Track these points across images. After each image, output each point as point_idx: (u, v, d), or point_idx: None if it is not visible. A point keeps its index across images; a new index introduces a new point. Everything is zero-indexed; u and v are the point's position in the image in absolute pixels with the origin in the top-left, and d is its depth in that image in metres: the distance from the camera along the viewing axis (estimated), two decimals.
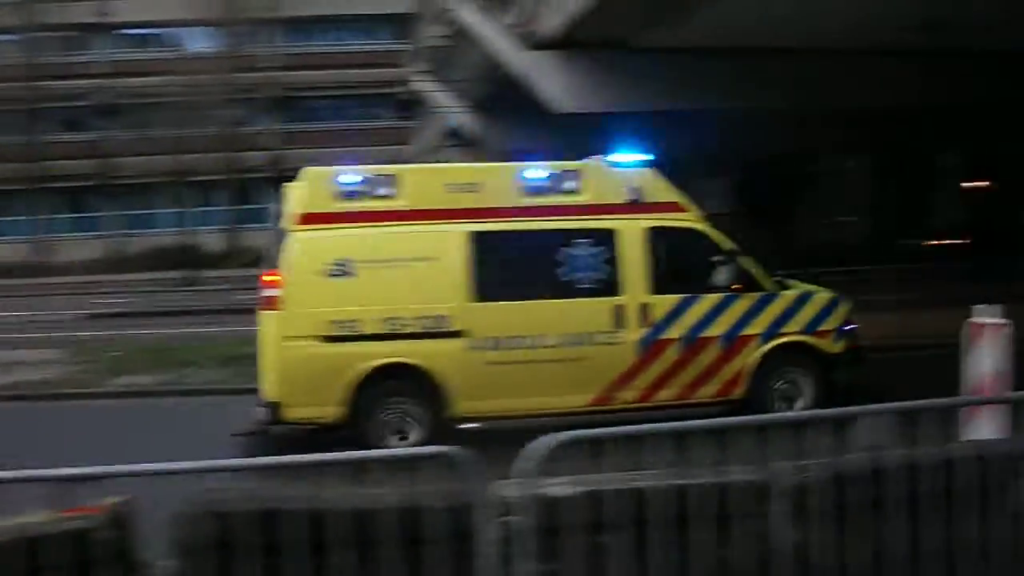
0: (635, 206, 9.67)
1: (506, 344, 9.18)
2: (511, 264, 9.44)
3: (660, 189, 9.94)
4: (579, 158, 10.50)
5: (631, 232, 9.52)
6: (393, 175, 9.55)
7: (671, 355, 9.44)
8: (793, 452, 4.04)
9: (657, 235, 9.60)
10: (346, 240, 9.12)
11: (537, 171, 9.80)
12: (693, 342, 9.47)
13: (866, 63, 17.83)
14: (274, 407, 8.97)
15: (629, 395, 9.43)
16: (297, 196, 9.33)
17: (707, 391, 9.65)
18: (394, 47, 45.31)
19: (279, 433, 9.36)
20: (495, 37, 20.67)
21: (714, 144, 26.26)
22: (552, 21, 17.80)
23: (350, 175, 9.36)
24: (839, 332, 10.00)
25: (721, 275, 9.72)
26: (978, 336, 6.67)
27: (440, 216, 9.23)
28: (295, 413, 9.01)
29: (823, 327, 9.92)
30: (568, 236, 9.44)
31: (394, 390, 9.11)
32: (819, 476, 3.96)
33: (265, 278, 9.13)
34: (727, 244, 9.95)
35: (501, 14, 22.03)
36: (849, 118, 21.49)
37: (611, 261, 9.48)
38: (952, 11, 14.49)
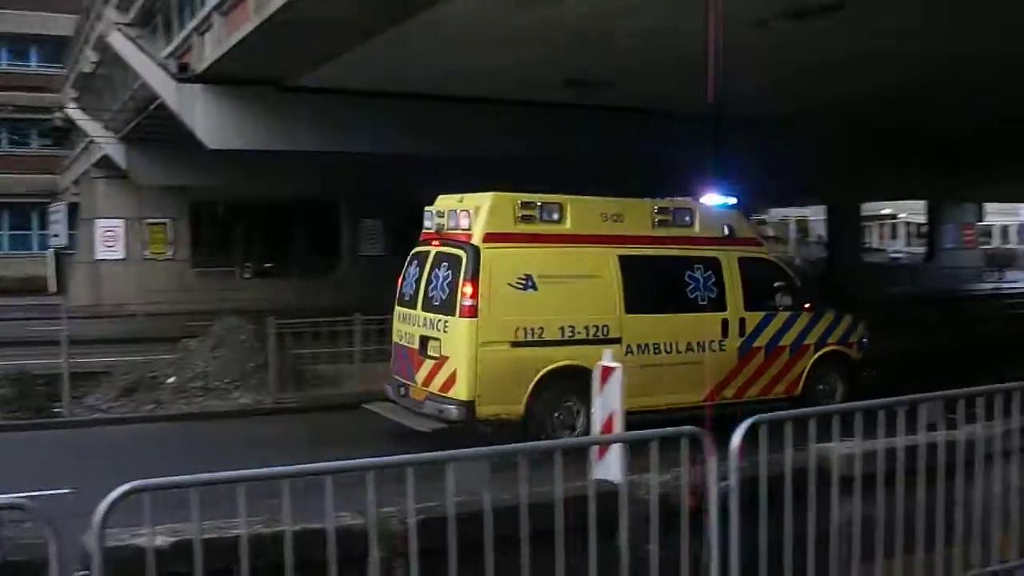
0: (730, 240, 11.84)
1: (649, 350, 10.88)
2: (651, 283, 11.30)
3: (744, 227, 12.45)
4: None
5: (730, 260, 11.66)
6: (559, 203, 10.86)
7: (758, 360, 11.54)
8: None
9: (745, 263, 11.80)
10: (527, 257, 10.50)
11: (665, 206, 11.89)
12: (772, 350, 11.64)
13: (512, 113, 19.41)
14: (469, 405, 10.07)
15: (729, 392, 11.29)
16: (482, 217, 10.43)
17: (779, 389, 11.75)
18: (50, 71, 43.17)
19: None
20: (149, 67, 20.22)
21: (373, 186, 27.18)
22: (206, 55, 17.76)
23: (530, 201, 10.67)
24: (861, 344, 12.54)
25: (788, 296, 11.96)
26: (603, 378, 7.38)
27: (597, 241, 10.91)
28: (487, 410, 10.15)
29: (851, 339, 12.44)
30: (689, 262, 11.43)
31: (568, 389, 10.31)
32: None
33: (464, 289, 10.18)
34: (790, 272, 12.69)
35: (157, 44, 21.60)
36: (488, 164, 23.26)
37: (717, 283, 11.50)
38: (590, 71, 16.18)
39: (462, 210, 10.73)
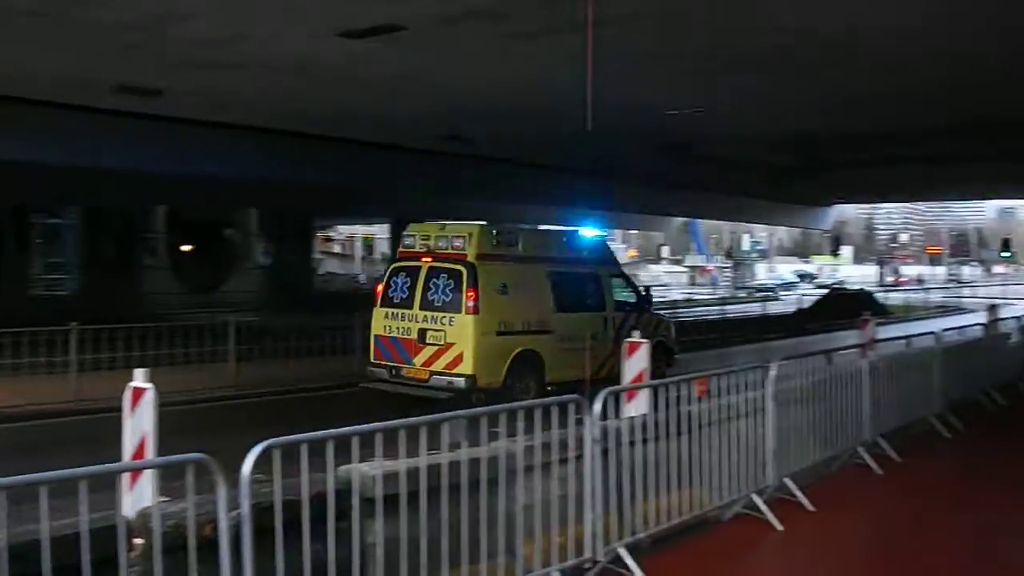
0: (604, 261, 16.98)
1: (568, 338, 14.67)
2: (566, 292, 15.38)
3: (610, 253, 18.06)
4: None
5: (605, 275, 16.44)
6: (515, 232, 15.66)
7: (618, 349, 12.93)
8: None
9: (612, 277, 16.76)
10: (502, 271, 14.32)
11: (573, 234, 17.33)
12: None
13: None
14: (472, 378, 13.56)
15: (604, 371, 14.32)
16: (474, 241, 14.15)
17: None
18: None
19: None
20: None
21: None
22: None
23: (501, 231, 15.24)
24: (671, 337, 17.65)
25: (635, 301, 16.91)
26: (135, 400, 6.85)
27: (536, 261, 15.14)
28: (483, 381, 13.62)
29: (669, 334, 17.66)
30: (587, 276, 16.04)
31: (526, 366, 14.25)
32: None
33: (468, 293, 13.75)
34: (635, 284, 18.21)
35: None
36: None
37: (600, 292, 16.10)
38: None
39: (455, 236, 14.35)
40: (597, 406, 6.36)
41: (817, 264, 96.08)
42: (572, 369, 13.94)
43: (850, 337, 14.14)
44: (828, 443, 9.57)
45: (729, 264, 74.60)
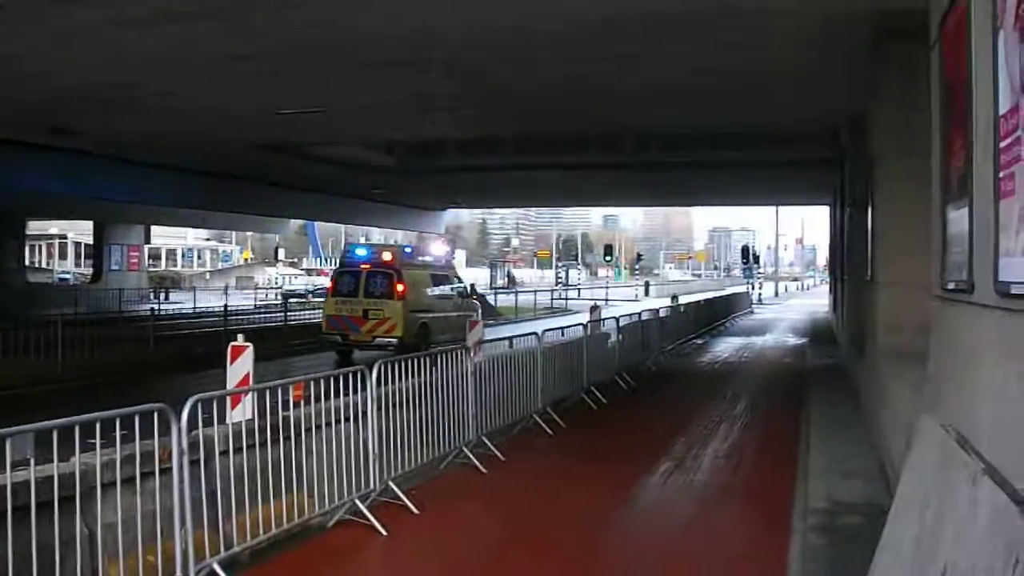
0: (449, 266, 28.83)
1: (440, 313, 24.86)
2: (437, 285, 25.80)
3: (450, 260, 30.97)
4: None
5: (452, 274, 27.83)
6: (411, 250, 28.44)
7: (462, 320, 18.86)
8: None
9: (454, 275, 28.28)
10: (412, 273, 24.26)
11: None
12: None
13: None
14: (401, 338, 22.60)
15: (461, 334, 16.71)
16: (396, 256, 24.53)
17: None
18: None
19: None
20: None
21: None
22: None
23: (405, 250, 27.84)
24: None
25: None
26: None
27: (421, 266, 25.64)
28: (407, 341, 22.22)
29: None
30: (445, 275, 26.82)
31: (424, 330, 23.52)
32: None
33: (398, 287, 23.22)
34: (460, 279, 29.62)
35: None
36: None
37: (451, 284, 26.84)
38: None
39: (384, 252, 24.60)
40: (184, 415, 6.17)
41: None
42: (443, 333, 23.16)
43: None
44: (434, 445, 9.92)
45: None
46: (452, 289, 26.58)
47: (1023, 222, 3.23)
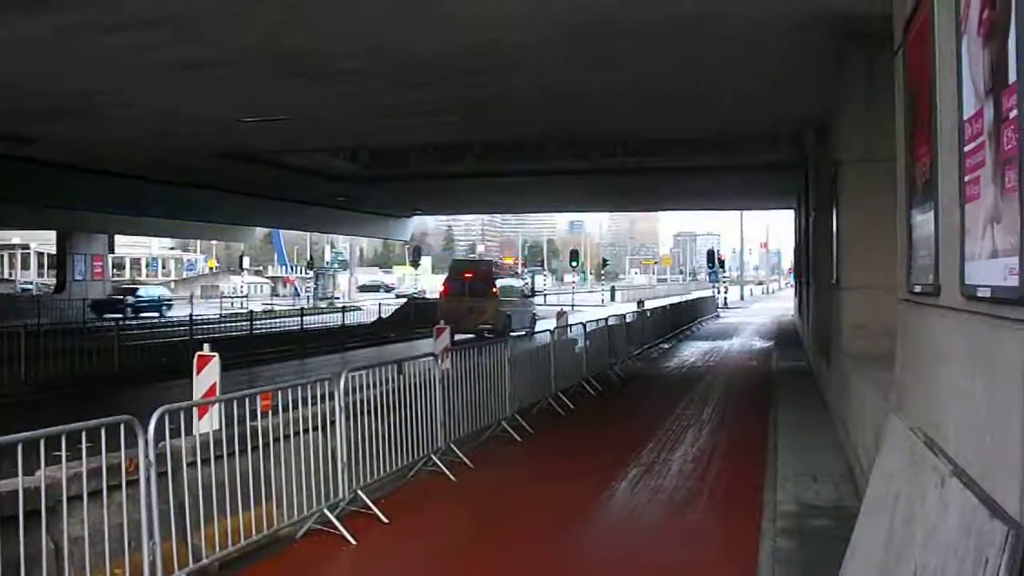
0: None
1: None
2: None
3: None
4: None
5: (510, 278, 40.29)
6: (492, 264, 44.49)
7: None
8: None
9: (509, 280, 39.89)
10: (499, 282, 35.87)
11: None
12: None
13: None
14: (494, 326, 31.32)
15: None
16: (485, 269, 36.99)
17: None
18: None
19: None
20: None
21: None
22: None
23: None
24: None
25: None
26: None
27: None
28: (497, 328, 31.13)
29: None
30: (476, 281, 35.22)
31: (501, 319, 33.06)
32: None
33: (492, 290, 33.30)
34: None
35: None
36: None
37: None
38: None
39: (481, 266, 38.93)
40: (151, 427, 6.11)
41: (399, 274, 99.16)
42: (519, 322, 32.64)
43: (428, 345, 14.70)
44: (403, 453, 9.88)
45: (311, 275, 74.90)
46: (519, 290, 37.75)
47: (989, 225, 3.26)
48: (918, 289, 4.79)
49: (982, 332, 3.39)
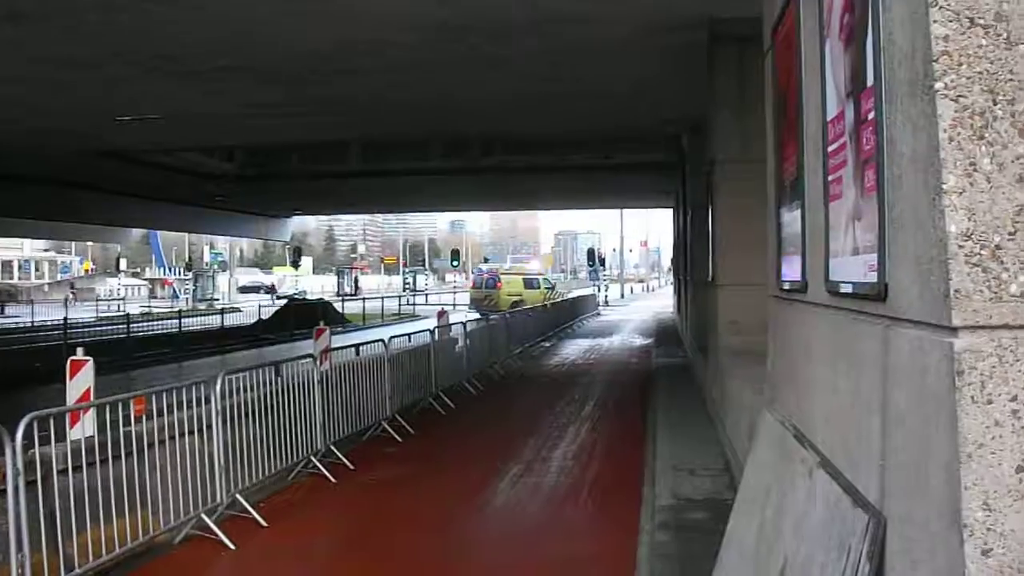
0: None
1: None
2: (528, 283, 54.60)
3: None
4: None
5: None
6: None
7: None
8: None
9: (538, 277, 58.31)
10: (506, 278, 53.52)
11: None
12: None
13: None
14: (502, 310, 37.60)
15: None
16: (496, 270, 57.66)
17: None
18: None
19: None
20: None
21: None
22: None
23: (508, 266, 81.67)
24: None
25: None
26: None
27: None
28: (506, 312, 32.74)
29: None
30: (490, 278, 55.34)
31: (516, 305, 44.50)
32: None
33: (499, 284, 51.34)
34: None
35: None
36: None
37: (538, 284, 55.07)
38: None
39: (492, 267, 64.56)
40: (19, 434, 5.87)
41: (280, 275, 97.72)
42: (532, 308, 33.74)
43: (308, 346, 14.50)
44: (282, 456, 9.74)
45: (190, 276, 73.28)
46: (540, 284, 52.65)
47: (850, 223, 3.36)
48: (787, 286, 4.91)
49: (845, 327, 3.49)
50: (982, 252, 2.38)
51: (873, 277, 3.02)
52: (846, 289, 3.43)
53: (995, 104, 2.42)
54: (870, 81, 3.01)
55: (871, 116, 3.01)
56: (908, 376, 2.70)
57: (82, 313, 42.76)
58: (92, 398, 8.65)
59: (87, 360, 8.98)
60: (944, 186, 2.42)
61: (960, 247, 2.39)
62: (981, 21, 2.43)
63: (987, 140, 2.41)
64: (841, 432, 3.52)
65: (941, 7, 2.45)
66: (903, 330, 2.77)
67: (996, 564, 2.27)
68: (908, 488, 2.70)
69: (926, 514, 2.53)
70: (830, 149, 3.67)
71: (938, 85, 2.44)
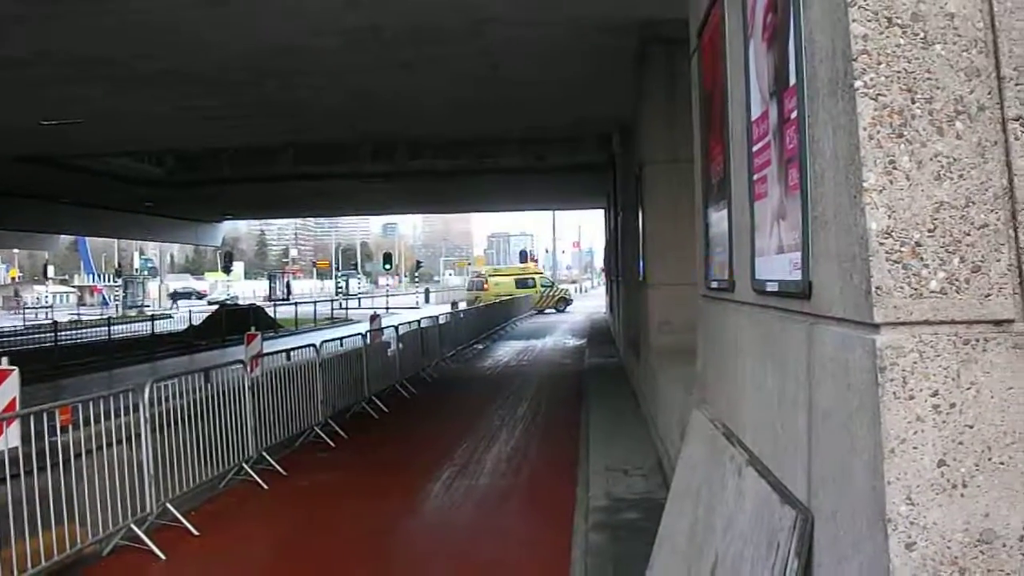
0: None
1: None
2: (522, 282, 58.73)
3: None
4: None
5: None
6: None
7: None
8: None
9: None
10: (493, 279, 58.61)
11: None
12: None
13: None
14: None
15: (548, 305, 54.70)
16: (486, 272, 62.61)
17: None
18: None
19: None
20: None
21: None
22: None
23: (497, 267, 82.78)
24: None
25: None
26: None
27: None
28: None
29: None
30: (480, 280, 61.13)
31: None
32: None
33: (485, 285, 56.45)
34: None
35: None
36: None
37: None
38: None
39: (483, 270, 70.47)
40: None
41: (211, 280, 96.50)
42: (524, 304, 48.66)
43: (239, 352, 14.29)
44: (213, 463, 9.59)
45: (119, 283, 71.98)
46: (535, 284, 55.96)
47: (775, 222, 3.37)
48: (715, 285, 4.93)
49: (772, 325, 3.51)
50: (902, 249, 2.40)
51: (798, 275, 3.04)
52: (772, 288, 3.45)
53: (913, 103, 2.44)
54: (792, 80, 3.03)
55: (794, 115, 3.03)
56: (832, 373, 2.71)
57: (8, 321, 41.72)
58: (17, 408, 8.42)
59: (12, 369, 8.71)
60: (865, 184, 2.43)
61: (881, 244, 2.40)
62: (899, 21, 2.45)
63: (906, 138, 2.43)
64: (769, 430, 3.54)
65: (860, 7, 2.46)
66: (827, 327, 2.79)
67: (919, 557, 2.28)
68: (834, 484, 2.71)
69: (852, 509, 2.55)
70: (755, 148, 3.69)
71: (858, 84, 2.45)
